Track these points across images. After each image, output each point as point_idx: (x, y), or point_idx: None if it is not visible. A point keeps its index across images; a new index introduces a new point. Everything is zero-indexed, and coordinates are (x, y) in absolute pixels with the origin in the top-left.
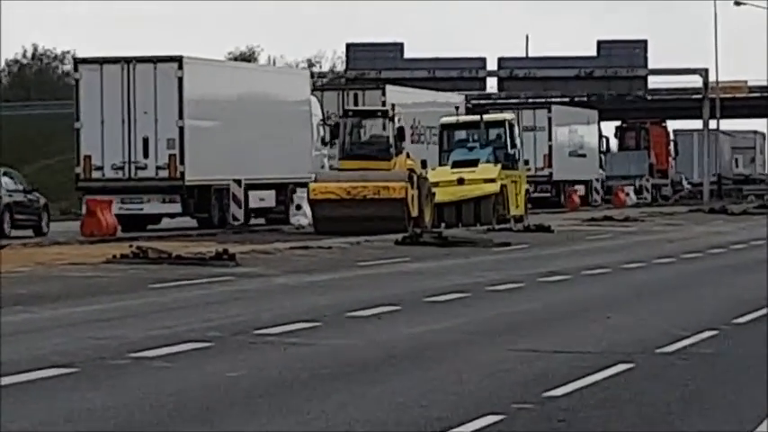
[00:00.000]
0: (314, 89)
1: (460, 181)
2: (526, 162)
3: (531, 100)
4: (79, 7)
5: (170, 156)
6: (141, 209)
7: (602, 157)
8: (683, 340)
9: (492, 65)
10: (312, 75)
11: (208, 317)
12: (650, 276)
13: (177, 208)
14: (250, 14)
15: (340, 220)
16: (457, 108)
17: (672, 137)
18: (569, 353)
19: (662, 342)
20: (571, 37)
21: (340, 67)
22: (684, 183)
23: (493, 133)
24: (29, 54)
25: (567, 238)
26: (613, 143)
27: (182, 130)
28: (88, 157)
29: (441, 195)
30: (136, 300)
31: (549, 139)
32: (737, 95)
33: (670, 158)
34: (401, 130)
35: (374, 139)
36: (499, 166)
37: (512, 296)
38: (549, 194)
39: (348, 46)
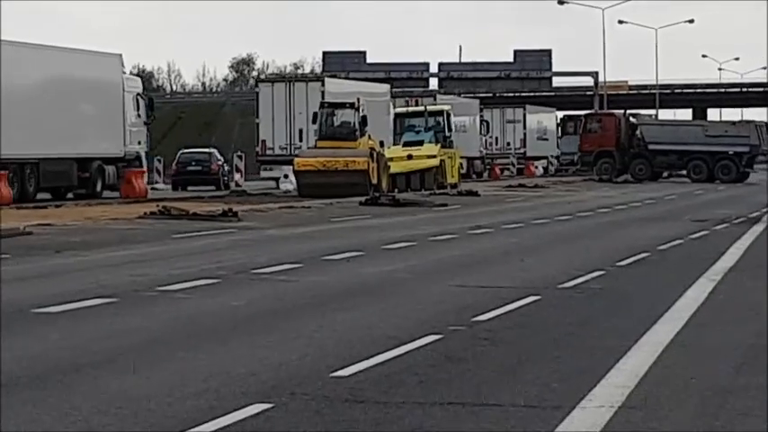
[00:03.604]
0: (392, 96)
1: (409, 157)
2: (509, 144)
3: (462, 95)
4: (91, 14)
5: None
6: None
7: (559, 141)
8: (579, 278)
9: (434, 68)
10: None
11: (216, 260)
12: (553, 230)
13: None
14: (242, 26)
15: (318, 186)
16: (407, 101)
17: None
18: (492, 287)
19: (562, 279)
20: (494, 46)
21: (317, 70)
22: None
23: (434, 120)
24: None
25: (490, 201)
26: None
27: None
28: (264, 141)
29: (394, 168)
30: (161, 247)
31: (524, 128)
32: (620, 92)
33: None
34: (364, 117)
35: (344, 124)
36: (439, 145)
37: (448, 244)
38: (523, 166)
39: (324, 53)
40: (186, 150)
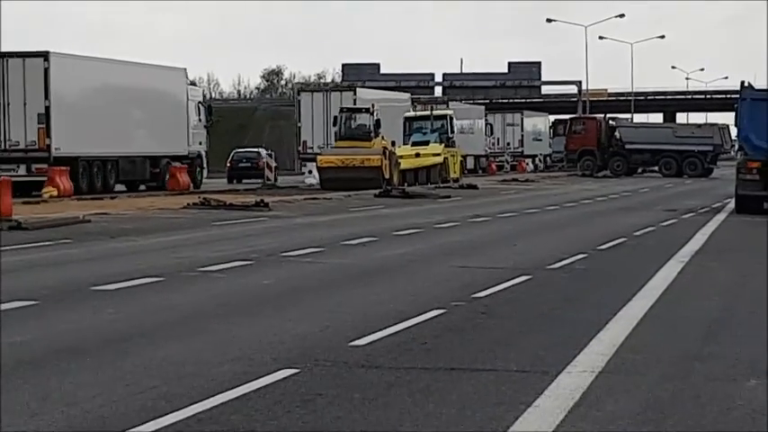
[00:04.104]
0: (411, 103)
1: (417, 155)
2: (508, 144)
3: (463, 101)
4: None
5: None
6: None
7: (551, 141)
8: (564, 260)
9: (438, 77)
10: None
11: (250, 244)
12: (542, 218)
13: None
14: (272, 41)
15: (338, 180)
16: (414, 106)
17: None
18: (489, 268)
19: (550, 261)
20: (490, 58)
21: (337, 80)
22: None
23: (438, 123)
24: None
25: (488, 193)
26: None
27: None
28: (305, 141)
29: (404, 164)
30: (202, 233)
31: (522, 130)
32: (600, 99)
33: None
34: (378, 121)
35: (360, 127)
36: (443, 145)
37: (451, 231)
38: (516, 163)
39: (343, 65)
40: (239, 150)
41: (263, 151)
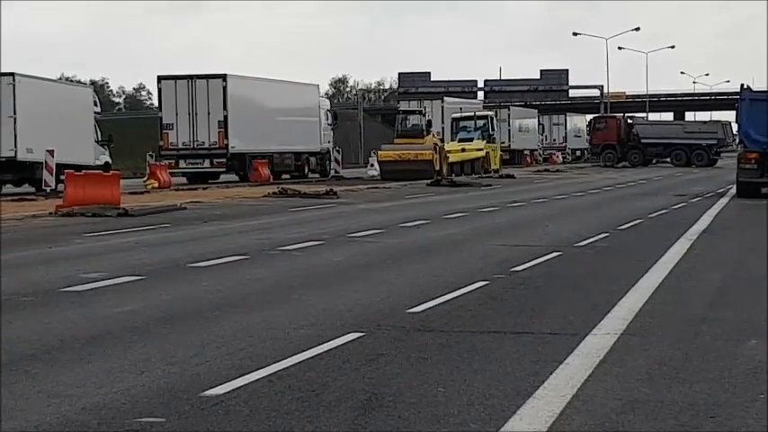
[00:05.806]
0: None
1: (463, 150)
2: (554, 140)
3: (502, 104)
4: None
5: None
6: None
7: (587, 137)
8: (590, 238)
9: (480, 83)
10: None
11: (321, 227)
12: (570, 203)
13: None
14: (338, 53)
15: (395, 171)
16: (461, 108)
17: None
18: (525, 246)
19: (577, 239)
20: (525, 67)
21: (395, 86)
22: None
23: (481, 123)
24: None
25: (524, 182)
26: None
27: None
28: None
29: (452, 158)
30: (281, 217)
31: (565, 129)
32: (620, 100)
33: None
34: (429, 121)
35: (414, 126)
36: (485, 141)
37: (492, 214)
38: (549, 155)
39: (400, 74)
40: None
41: None
